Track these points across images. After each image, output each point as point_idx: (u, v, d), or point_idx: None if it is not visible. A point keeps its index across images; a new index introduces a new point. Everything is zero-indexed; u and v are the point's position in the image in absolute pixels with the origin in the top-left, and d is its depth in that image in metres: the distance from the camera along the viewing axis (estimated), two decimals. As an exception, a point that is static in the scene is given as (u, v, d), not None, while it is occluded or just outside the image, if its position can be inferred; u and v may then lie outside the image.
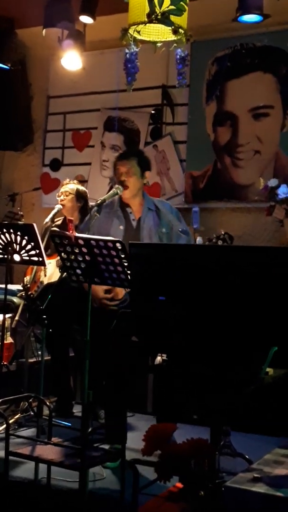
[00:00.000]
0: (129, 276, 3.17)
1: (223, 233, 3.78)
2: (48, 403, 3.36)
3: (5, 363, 4.32)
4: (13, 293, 4.92)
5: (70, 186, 4.90)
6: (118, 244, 3.12)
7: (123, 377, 3.69)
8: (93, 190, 5.89)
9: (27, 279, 4.62)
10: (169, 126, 6.00)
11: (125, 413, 3.85)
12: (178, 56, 3.55)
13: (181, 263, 2.78)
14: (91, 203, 4.73)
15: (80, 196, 4.87)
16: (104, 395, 3.82)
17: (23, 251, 4.12)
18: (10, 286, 4.58)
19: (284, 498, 2.16)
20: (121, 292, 3.80)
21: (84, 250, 3.23)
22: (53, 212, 4.74)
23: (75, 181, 5.05)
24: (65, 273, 3.46)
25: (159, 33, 3.51)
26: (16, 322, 4.58)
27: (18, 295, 4.83)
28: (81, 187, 4.96)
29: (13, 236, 4.09)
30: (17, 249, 4.13)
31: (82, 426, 3.02)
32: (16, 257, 4.16)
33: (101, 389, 4.10)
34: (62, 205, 4.81)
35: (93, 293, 3.91)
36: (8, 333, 4.74)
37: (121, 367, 3.69)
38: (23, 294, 4.54)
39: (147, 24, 3.35)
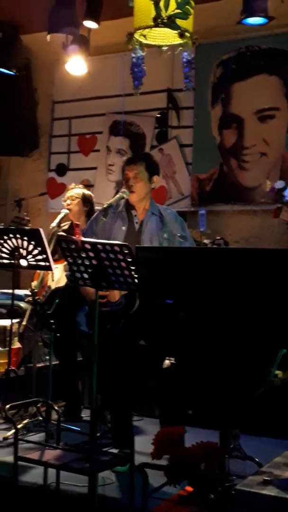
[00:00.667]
0: (136, 280, 3.17)
1: (218, 238, 3.74)
2: (56, 408, 3.36)
3: (13, 368, 4.32)
4: (20, 298, 4.92)
5: (76, 190, 4.90)
6: (124, 248, 3.12)
7: (128, 381, 3.68)
8: (99, 194, 5.90)
9: (34, 283, 4.62)
10: (175, 130, 6.01)
11: (131, 417, 3.85)
12: (184, 60, 3.55)
13: (188, 266, 2.78)
14: (97, 207, 4.73)
15: (86, 200, 4.87)
16: (109, 399, 3.82)
17: (30, 256, 4.13)
18: (17, 291, 4.59)
19: (294, 501, 2.15)
20: (117, 294, 3.80)
21: (91, 254, 3.23)
22: (59, 216, 4.74)
23: (81, 186, 5.05)
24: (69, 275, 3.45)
25: (164, 37, 3.51)
26: (24, 327, 4.59)
27: (25, 300, 4.83)
28: (86, 191, 4.96)
29: (20, 241, 4.09)
30: (24, 254, 4.13)
31: (90, 430, 3.02)
32: (23, 262, 4.16)
33: (107, 393, 4.10)
34: (69, 209, 4.81)
35: (87, 292, 3.92)
36: (16, 338, 4.74)
37: (127, 370, 3.69)
38: (31, 299, 4.54)
39: (153, 28, 3.35)
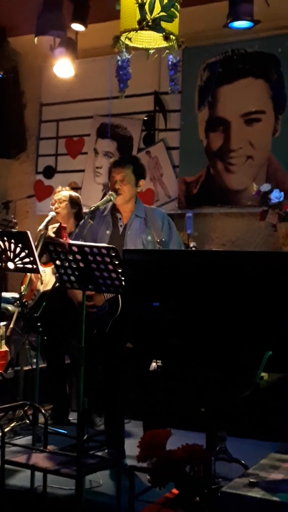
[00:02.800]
0: (123, 282, 3.17)
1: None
2: (43, 411, 3.35)
3: (0, 371, 4.31)
4: (8, 301, 4.91)
5: (63, 193, 4.90)
6: (111, 251, 3.12)
7: (120, 384, 3.69)
8: (86, 197, 5.90)
9: (24, 287, 4.61)
10: (162, 132, 6.02)
11: (123, 420, 3.86)
12: (170, 63, 3.55)
13: (174, 268, 2.78)
14: (85, 210, 4.73)
15: (74, 202, 4.87)
16: (101, 402, 3.82)
17: (17, 258, 4.12)
18: (4, 294, 4.58)
19: (280, 503, 2.17)
20: (101, 299, 3.81)
21: (78, 257, 3.23)
22: (46, 219, 4.74)
23: (67, 188, 5.05)
24: (57, 283, 3.47)
25: (151, 40, 3.51)
26: (11, 330, 4.58)
27: (14, 304, 4.82)
28: (74, 193, 4.96)
29: (7, 243, 4.08)
30: (11, 257, 4.12)
31: (77, 433, 3.02)
32: (10, 265, 4.15)
33: (96, 396, 4.10)
34: (57, 212, 4.81)
35: (74, 295, 3.92)
36: (3, 341, 4.73)
37: (118, 373, 3.69)
38: (19, 302, 4.53)
39: (139, 31, 3.35)
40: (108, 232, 3.93)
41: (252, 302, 2.57)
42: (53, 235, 4.78)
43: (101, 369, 3.94)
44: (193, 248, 3.60)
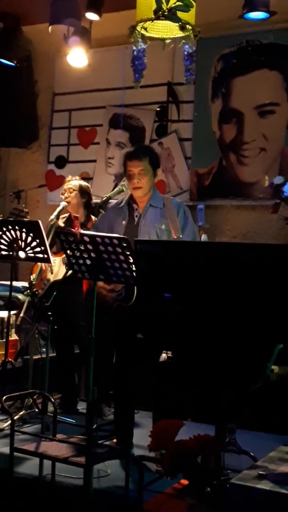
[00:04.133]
0: (134, 273, 3.17)
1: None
2: (52, 400, 3.37)
3: (10, 359, 4.33)
4: (18, 290, 4.92)
5: (73, 182, 4.89)
6: (123, 241, 3.12)
7: (130, 374, 3.70)
8: (98, 187, 5.89)
9: (33, 276, 4.63)
10: (175, 124, 5.99)
11: (132, 410, 3.87)
12: (185, 53, 3.53)
13: (186, 260, 2.78)
14: (96, 200, 4.72)
15: (83, 192, 4.85)
16: (111, 392, 3.82)
17: (28, 248, 4.13)
18: (15, 283, 4.58)
19: (289, 496, 2.16)
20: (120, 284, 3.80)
21: (90, 247, 3.22)
22: (58, 209, 4.74)
23: (77, 177, 5.04)
24: (70, 271, 3.46)
25: (167, 29, 3.49)
26: (21, 319, 4.59)
27: (24, 293, 4.83)
28: (84, 183, 4.94)
29: (18, 233, 4.09)
30: (22, 246, 4.13)
31: (86, 423, 3.02)
32: (21, 254, 4.16)
33: (106, 386, 4.11)
34: (67, 202, 4.81)
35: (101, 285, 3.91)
36: (13, 330, 4.75)
37: (128, 364, 3.70)
38: (29, 291, 4.54)
39: (156, 21, 3.33)
40: (124, 222, 3.90)
41: (264, 294, 2.56)
42: (63, 225, 4.78)
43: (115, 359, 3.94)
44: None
